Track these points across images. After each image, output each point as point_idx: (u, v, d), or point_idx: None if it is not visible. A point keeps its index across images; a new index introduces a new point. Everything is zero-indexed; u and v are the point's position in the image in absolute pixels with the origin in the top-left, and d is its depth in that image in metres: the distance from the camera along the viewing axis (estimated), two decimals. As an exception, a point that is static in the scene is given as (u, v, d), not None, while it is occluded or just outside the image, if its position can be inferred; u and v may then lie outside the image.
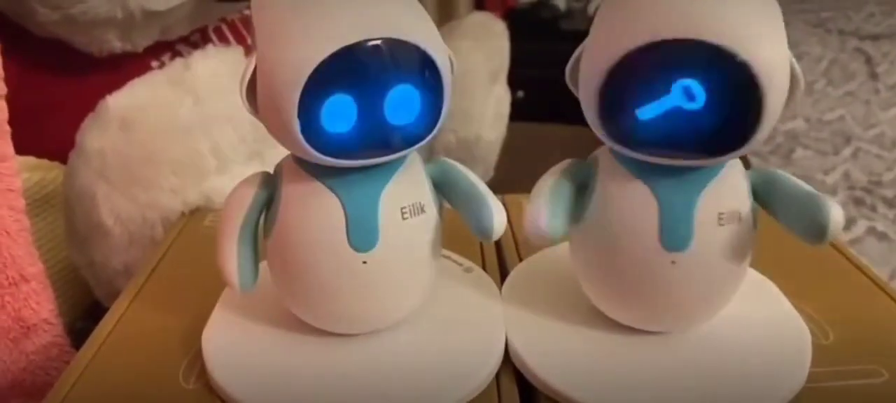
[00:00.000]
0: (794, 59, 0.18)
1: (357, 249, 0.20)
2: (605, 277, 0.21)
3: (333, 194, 0.20)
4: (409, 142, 0.19)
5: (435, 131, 0.20)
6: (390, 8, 0.18)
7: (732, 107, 0.18)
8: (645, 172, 0.20)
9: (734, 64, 0.17)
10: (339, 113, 0.18)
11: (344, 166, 0.19)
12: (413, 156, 0.21)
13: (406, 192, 0.20)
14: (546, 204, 0.20)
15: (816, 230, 0.18)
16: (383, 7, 0.18)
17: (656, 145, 0.19)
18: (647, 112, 0.18)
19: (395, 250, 0.20)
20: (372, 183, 0.20)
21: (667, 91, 0.18)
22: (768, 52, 0.17)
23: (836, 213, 0.18)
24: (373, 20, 0.18)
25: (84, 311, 0.37)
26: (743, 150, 0.18)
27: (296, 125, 0.18)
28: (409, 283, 0.21)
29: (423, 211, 0.21)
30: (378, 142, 0.19)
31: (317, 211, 0.20)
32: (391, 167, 0.20)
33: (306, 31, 0.17)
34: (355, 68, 0.18)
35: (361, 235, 0.20)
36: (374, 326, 0.22)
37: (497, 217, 0.20)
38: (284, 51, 0.17)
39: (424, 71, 0.19)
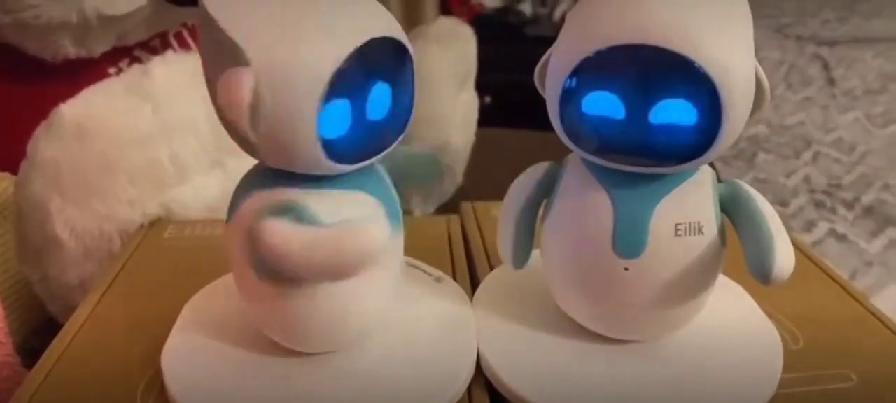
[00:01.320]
0: (760, 69, 0.18)
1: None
2: (564, 277, 0.22)
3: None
4: (391, 138, 0.19)
5: (402, 135, 0.20)
6: (370, 10, 0.18)
7: (687, 115, 0.18)
8: (606, 177, 0.20)
9: (691, 71, 0.17)
10: (337, 117, 0.18)
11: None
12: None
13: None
14: (509, 248, 0.22)
15: (761, 275, 0.18)
16: (365, 9, 0.18)
17: (610, 150, 0.19)
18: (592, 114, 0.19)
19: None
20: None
21: (619, 96, 0.18)
22: (729, 61, 0.17)
23: (781, 265, 0.18)
24: (365, 22, 0.18)
25: (36, 328, 0.35)
26: (699, 161, 0.18)
27: (315, 132, 0.17)
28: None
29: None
30: (367, 144, 0.19)
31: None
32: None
33: (320, 34, 0.17)
34: (358, 71, 0.17)
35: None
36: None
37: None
38: (297, 58, 0.17)
39: (405, 68, 0.19)
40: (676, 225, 0.19)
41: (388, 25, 0.18)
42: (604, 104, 0.18)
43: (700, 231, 0.20)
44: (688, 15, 0.17)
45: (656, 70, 0.17)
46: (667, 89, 0.17)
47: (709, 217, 0.20)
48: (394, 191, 0.21)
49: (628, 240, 0.19)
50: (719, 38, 0.17)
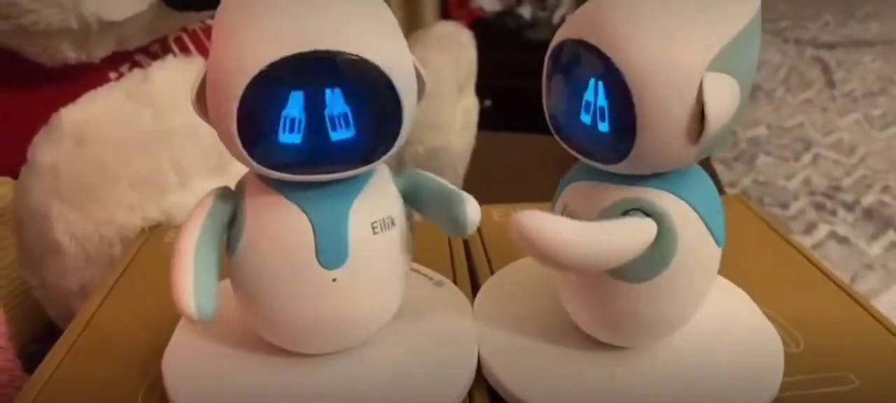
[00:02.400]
0: (709, 87, 0.17)
1: (326, 266, 0.19)
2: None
3: (300, 210, 0.19)
4: (354, 158, 0.18)
5: (394, 148, 0.19)
6: (345, 17, 0.17)
7: (612, 114, 0.18)
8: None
9: (607, 68, 0.17)
10: (282, 124, 0.17)
11: (300, 180, 0.19)
12: (381, 169, 0.20)
13: (376, 206, 0.20)
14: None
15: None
16: (337, 16, 0.17)
17: (578, 150, 0.19)
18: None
19: (366, 266, 0.20)
20: (340, 197, 0.19)
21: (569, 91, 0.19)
22: (649, 64, 0.17)
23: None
24: (321, 30, 0.17)
25: (37, 334, 0.35)
26: (626, 164, 0.18)
27: (235, 134, 0.17)
28: (380, 299, 0.21)
29: (393, 224, 0.20)
30: (321, 158, 0.18)
31: (284, 228, 0.19)
32: (359, 180, 0.20)
33: (250, 38, 0.17)
34: (295, 78, 0.17)
35: (331, 252, 0.19)
36: (344, 345, 0.21)
37: (470, 206, 0.20)
38: (227, 55, 0.17)
39: (372, 85, 0.18)
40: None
41: (349, 38, 0.17)
42: (562, 98, 0.19)
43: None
44: (633, 18, 0.17)
45: (586, 64, 0.18)
46: (592, 84, 0.18)
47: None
48: (397, 201, 0.21)
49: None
50: (649, 41, 0.17)
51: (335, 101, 0.17)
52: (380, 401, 0.20)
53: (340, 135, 0.18)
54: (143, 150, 0.31)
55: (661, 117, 0.17)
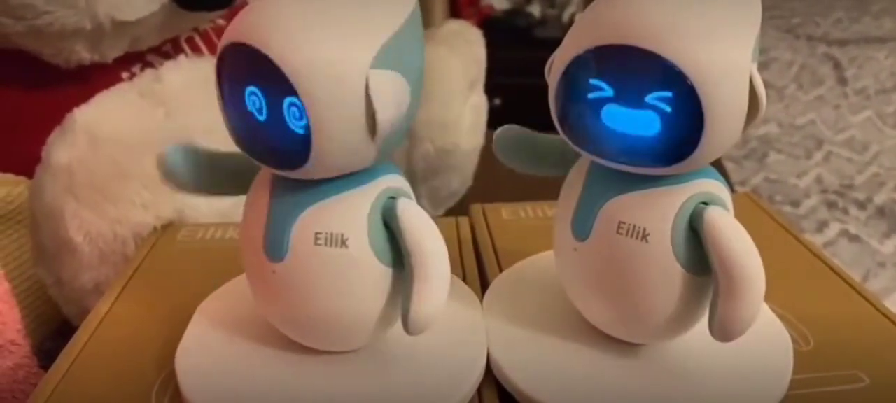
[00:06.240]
0: (757, 77, 0.18)
1: (269, 257, 0.20)
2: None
3: (269, 199, 0.20)
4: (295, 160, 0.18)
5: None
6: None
7: (673, 118, 0.17)
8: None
9: (671, 74, 0.17)
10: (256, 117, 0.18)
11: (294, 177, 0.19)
12: (371, 187, 0.20)
13: (330, 219, 0.19)
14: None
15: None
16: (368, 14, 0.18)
17: (609, 153, 0.19)
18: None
19: (301, 270, 0.20)
20: (304, 197, 0.20)
21: (604, 95, 0.18)
22: (713, 65, 0.17)
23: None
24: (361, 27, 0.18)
25: (52, 331, 0.36)
26: (684, 164, 0.18)
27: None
28: (320, 309, 0.20)
29: (342, 244, 0.19)
30: (275, 152, 0.19)
31: (253, 213, 0.20)
32: (335, 186, 0.19)
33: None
34: (256, 72, 0.18)
35: (274, 244, 0.20)
36: (297, 336, 0.21)
37: (415, 309, 0.19)
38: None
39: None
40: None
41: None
42: (592, 101, 0.18)
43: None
44: (677, 19, 0.17)
45: (641, 71, 0.17)
46: (650, 91, 0.17)
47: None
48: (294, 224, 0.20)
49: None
50: (706, 42, 0.17)
51: (291, 100, 0.18)
52: (389, 398, 0.20)
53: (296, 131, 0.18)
54: (156, 150, 0.31)
55: (726, 112, 0.17)
